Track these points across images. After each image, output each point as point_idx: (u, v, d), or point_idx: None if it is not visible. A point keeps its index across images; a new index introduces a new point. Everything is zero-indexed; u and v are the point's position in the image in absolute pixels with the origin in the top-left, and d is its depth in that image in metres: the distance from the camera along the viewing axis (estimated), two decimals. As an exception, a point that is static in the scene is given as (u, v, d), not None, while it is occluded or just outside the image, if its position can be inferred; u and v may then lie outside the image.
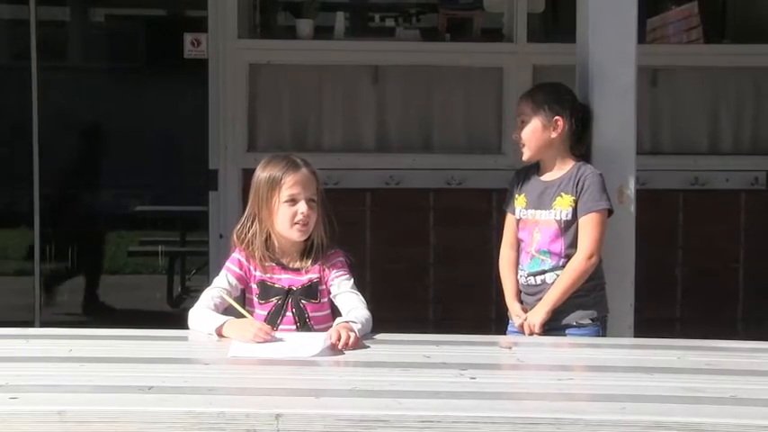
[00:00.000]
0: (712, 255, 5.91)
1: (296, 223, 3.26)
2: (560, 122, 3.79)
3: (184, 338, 3.17)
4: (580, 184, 3.73)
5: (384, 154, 5.95)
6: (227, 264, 3.36)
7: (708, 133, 6.10)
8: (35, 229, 6.28)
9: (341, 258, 3.34)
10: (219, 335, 3.10)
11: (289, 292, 3.29)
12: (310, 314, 3.29)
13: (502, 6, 6.04)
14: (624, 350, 3.38)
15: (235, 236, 3.36)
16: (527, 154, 3.84)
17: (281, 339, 3.05)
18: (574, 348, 3.36)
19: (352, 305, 3.22)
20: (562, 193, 3.75)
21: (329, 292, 3.31)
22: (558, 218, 3.74)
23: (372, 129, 6.01)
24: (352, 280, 3.32)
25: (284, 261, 3.32)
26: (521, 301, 3.82)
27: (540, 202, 3.79)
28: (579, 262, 3.70)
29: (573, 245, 3.72)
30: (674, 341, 3.24)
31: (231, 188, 5.76)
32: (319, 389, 2.61)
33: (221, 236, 5.59)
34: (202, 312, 3.22)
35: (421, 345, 3.14)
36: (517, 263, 3.85)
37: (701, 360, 2.98)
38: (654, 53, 5.71)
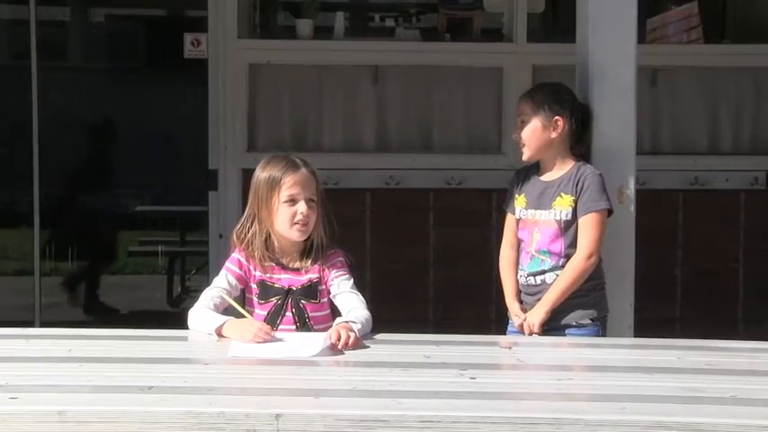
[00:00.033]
0: (712, 255, 5.90)
1: (296, 223, 3.26)
2: (560, 122, 3.79)
3: (184, 338, 3.16)
4: (580, 184, 3.72)
5: (384, 154, 5.94)
6: (227, 264, 3.36)
7: (708, 133, 6.10)
8: (35, 229, 6.27)
9: (341, 258, 3.34)
10: (219, 335, 3.10)
11: (288, 292, 3.29)
12: (310, 314, 3.28)
13: (502, 6, 6.04)
14: (624, 350, 3.38)
15: (234, 236, 3.36)
16: (527, 154, 3.84)
17: (280, 339, 3.04)
18: (573, 348, 3.35)
19: (351, 305, 3.22)
20: (562, 193, 3.75)
21: (329, 292, 3.31)
22: (557, 218, 3.74)
23: (372, 129, 6.00)
24: (352, 280, 3.32)
25: (284, 261, 3.32)
26: (520, 301, 3.82)
27: (540, 202, 3.79)
28: (579, 262, 3.70)
29: (573, 245, 3.72)
30: (674, 341, 3.24)
31: (231, 188, 5.75)
32: (319, 389, 2.61)
33: (221, 236, 5.59)
34: (202, 312, 3.22)
35: (421, 345, 3.14)
36: (517, 263, 3.85)
37: (701, 360, 2.97)
38: (654, 53, 5.71)
